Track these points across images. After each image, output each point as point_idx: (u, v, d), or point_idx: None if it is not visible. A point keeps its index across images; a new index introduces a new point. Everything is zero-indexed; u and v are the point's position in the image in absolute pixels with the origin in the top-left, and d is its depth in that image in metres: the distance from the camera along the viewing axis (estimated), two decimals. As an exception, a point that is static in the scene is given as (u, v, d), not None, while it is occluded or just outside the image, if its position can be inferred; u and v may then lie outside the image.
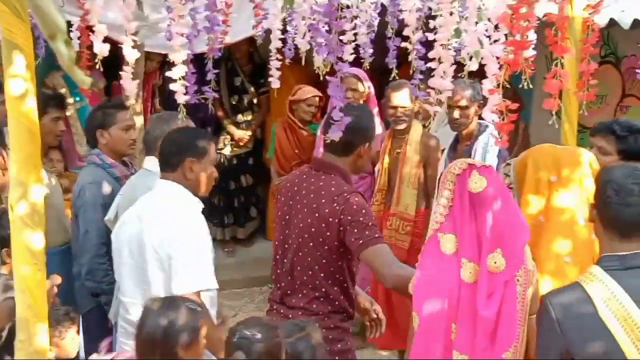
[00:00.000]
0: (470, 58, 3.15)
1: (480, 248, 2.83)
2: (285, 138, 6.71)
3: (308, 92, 6.59)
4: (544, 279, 3.15)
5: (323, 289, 3.48)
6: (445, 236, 2.88)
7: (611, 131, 3.71)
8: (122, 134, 4.42)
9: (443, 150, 5.34)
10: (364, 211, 3.40)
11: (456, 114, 4.92)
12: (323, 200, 3.41)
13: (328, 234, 3.40)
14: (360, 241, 3.31)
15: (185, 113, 3.30)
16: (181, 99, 3.20)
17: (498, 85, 2.76)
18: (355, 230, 3.32)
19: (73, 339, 3.57)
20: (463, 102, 4.88)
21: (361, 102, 5.75)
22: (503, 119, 2.71)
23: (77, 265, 4.32)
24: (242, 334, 2.75)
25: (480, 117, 4.84)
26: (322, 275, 3.47)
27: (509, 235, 2.84)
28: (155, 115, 4.61)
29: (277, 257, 3.62)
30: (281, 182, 6.18)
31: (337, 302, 3.50)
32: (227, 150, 7.61)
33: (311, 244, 3.44)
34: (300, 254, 3.48)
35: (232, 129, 7.59)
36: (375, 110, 5.85)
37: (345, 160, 3.55)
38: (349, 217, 3.35)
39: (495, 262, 2.81)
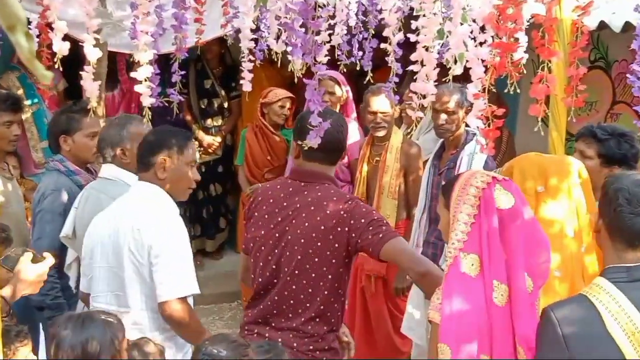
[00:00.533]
0: (455, 61, 3.14)
1: (507, 268, 2.76)
2: (256, 143, 6.68)
3: (280, 94, 6.56)
4: None
5: (322, 307, 3.44)
6: (468, 256, 2.78)
7: (592, 134, 3.80)
8: (88, 141, 4.35)
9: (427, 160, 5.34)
10: (374, 212, 3.50)
11: (442, 119, 4.90)
12: (328, 211, 3.39)
13: (336, 245, 3.38)
14: (380, 235, 3.30)
15: (150, 117, 3.27)
16: (147, 101, 3.17)
17: (483, 89, 2.76)
18: (371, 228, 3.32)
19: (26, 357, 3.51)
20: (450, 107, 4.86)
21: (338, 106, 5.75)
22: (489, 125, 2.71)
23: None
24: (208, 351, 2.71)
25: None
26: (325, 292, 3.43)
27: (534, 252, 2.81)
28: (109, 120, 4.52)
29: (260, 277, 3.53)
30: (252, 191, 6.17)
31: (333, 320, 3.48)
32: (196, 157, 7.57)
33: (316, 259, 3.40)
34: (298, 272, 3.42)
35: (201, 134, 7.56)
36: (354, 115, 5.85)
37: (331, 170, 3.57)
38: (362, 220, 3.35)
39: (530, 283, 2.78)
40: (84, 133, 4.35)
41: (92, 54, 3.21)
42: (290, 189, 3.51)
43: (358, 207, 3.40)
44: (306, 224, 3.41)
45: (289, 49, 3.31)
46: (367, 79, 3.70)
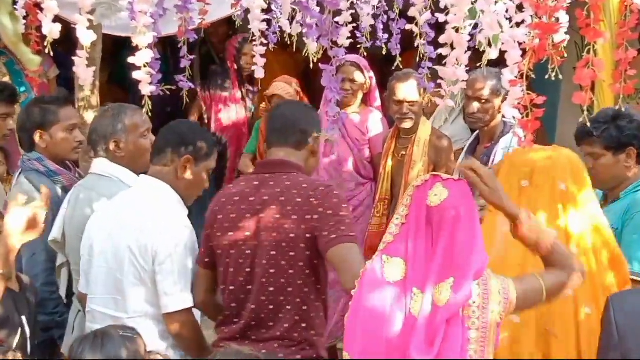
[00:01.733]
0: (489, 44, 3.15)
1: (434, 273, 2.77)
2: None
3: (279, 87, 6.48)
4: None
5: (305, 307, 3.44)
6: (391, 260, 2.83)
7: (588, 133, 3.83)
8: (66, 135, 4.24)
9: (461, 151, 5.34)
10: (344, 206, 3.45)
11: (474, 107, 4.89)
12: (299, 200, 3.40)
13: (308, 235, 3.38)
14: (334, 236, 3.31)
15: (150, 106, 3.30)
16: (146, 89, 3.20)
17: (521, 75, 2.76)
18: (332, 224, 3.33)
19: None
20: (484, 94, 4.85)
21: (360, 95, 5.75)
22: (527, 116, 2.72)
23: None
24: None
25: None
26: (305, 290, 3.44)
27: (462, 261, 2.77)
28: (101, 110, 4.40)
29: (232, 285, 3.49)
30: None
31: (318, 321, 3.48)
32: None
33: (291, 253, 3.40)
34: (274, 270, 3.42)
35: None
36: (377, 104, 5.85)
37: (298, 157, 3.57)
38: (329, 212, 3.36)
39: (440, 294, 2.73)
40: (62, 126, 4.24)
41: (86, 37, 3.23)
42: (256, 183, 3.51)
43: (330, 195, 3.42)
44: (277, 216, 3.42)
45: (304, 31, 3.33)
46: (396, 64, 3.70)
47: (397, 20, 3.67)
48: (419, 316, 2.72)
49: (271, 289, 3.41)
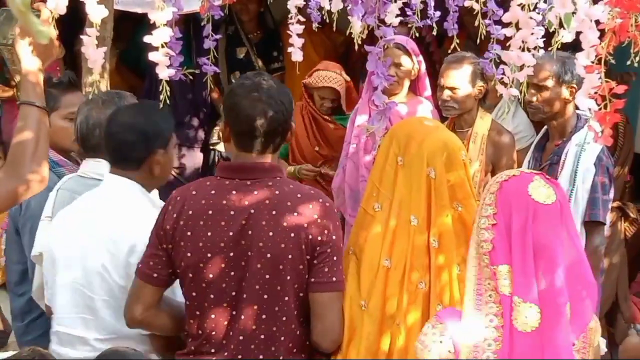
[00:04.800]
0: (560, 24, 3.10)
1: (539, 284, 2.85)
2: (304, 130, 6.65)
3: (324, 78, 6.46)
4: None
5: (297, 332, 3.41)
6: (500, 270, 2.90)
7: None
8: (66, 124, 4.29)
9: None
10: (340, 233, 3.44)
11: (531, 94, 4.84)
12: (296, 213, 3.33)
13: (308, 257, 3.34)
14: (325, 279, 3.36)
15: (168, 93, 3.28)
16: (164, 73, 3.19)
17: (598, 61, 2.71)
18: (327, 260, 3.35)
19: None
20: (543, 80, 4.79)
21: (407, 82, 5.70)
22: (605, 107, 2.67)
23: (17, 300, 4.33)
24: None
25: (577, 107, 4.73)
26: (301, 319, 3.40)
27: (580, 282, 2.90)
28: (90, 99, 4.25)
29: (213, 314, 3.40)
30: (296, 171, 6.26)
31: (307, 343, 3.45)
32: (222, 147, 7.61)
33: (288, 277, 3.34)
34: (268, 296, 3.35)
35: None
36: (427, 93, 5.80)
37: (275, 160, 3.51)
38: (334, 236, 3.36)
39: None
40: (61, 114, 4.33)
41: (96, 13, 3.23)
42: (233, 192, 3.38)
43: (331, 214, 3.41)
44: (271, 234, 3.32)
45: (348, 6, 3.30)
46: (453, 45, 3.66)
47: (454, -6, 3.64)
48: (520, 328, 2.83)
49: (264, 316, 3.36)
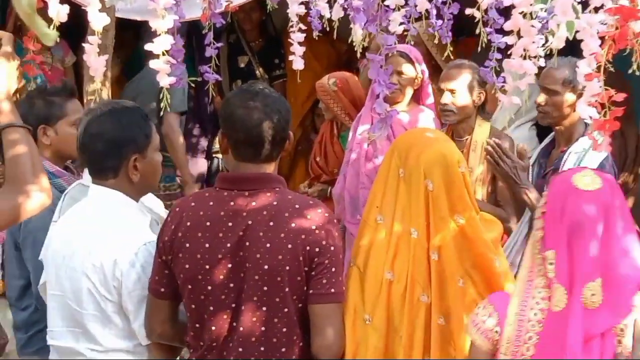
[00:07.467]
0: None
1: (572, 270, 2.95)
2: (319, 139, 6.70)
3: (317, 88, 6.47)
4: None
5: (301, 344, 3.41)
6: (547, 255, 3.01)
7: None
8: (73, 130, 4.24)
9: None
10: (340, 245, 3.44)
11: (541, 98, 4.83)
12: (294, 225, 3.32)
13: (306, 269, 3.33)
14: (323, 290, 3.35)
15: (169, 100, 3.29)
16: (164, 81, 3.19)
17: (598, 68, 2.73)
18: (325, 271, 3.34)
19: None
20: (553, 85, 4.78)
21: (409, 90, 5.70)
22: (605, 115, 2.68)
23: (19, 313, 4.34)
24: None
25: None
26: (300, 330, 3.40)
27: (619, 267, 2.94)
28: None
29: (214, 326, 3.39)
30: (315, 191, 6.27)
31: (310, 354, 3.43)
32: (224, 154, 7.64)
33: (287, 289, 3.33)
34: (267, 308, 3.34)
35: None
36: (429, 101, 5.80)
37: (274, 169, 3.51)
38: (332, 248, 3.36)
39: (592, 294, 2.93)
40: (68, 121, 4.32)
41: (97, 21, 3.23)
42: (232, 203, 3.39)
43: (330, 225, 3.39)
44: (268, 245, 3.31)
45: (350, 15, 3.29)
46: (446, 54, 3.67)
47: (450, 3, 3.63)
48: (570, 313, 2.94)
49: (263, 328, 3.36)
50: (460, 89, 5.29)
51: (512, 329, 3.01)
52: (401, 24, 3.37)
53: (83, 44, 3.35)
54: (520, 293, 3.06)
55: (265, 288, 3.32)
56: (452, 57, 3.83)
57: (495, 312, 3.09)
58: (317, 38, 3.93)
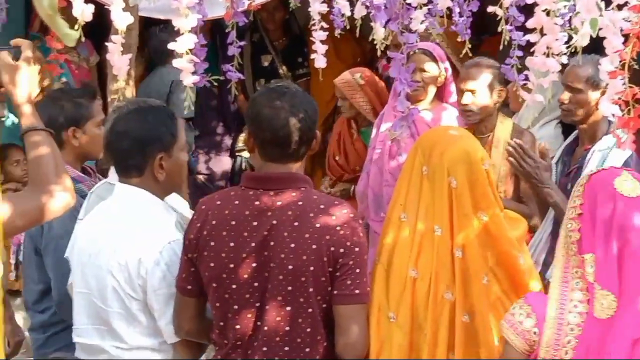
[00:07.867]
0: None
1: (621, 277, 2.93)
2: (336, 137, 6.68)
3: (337, 81, 6.50)
4: None
5: (325, 344, 3.39)
6: (586, 258, 2.99)
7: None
8: (99, 131, 4.25)
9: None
10: (366, 245, 3.42)
11: (565, 96, 4.81)
12: (318, 225, 3.31)
13: (330, 269, 3.32)
14: (347, 292, 3.32)
15: (192, 99, 3.30)
16: (188, 79, 3.19)
17: (622, 66, 2.72)
18: (349, 272, 3.32)
19: None
20: (576, 83, 4.75)
21: (432, 89, 5.69)
22: (629, 112, 2.67)
23: (37, 315, 4.34)
24: None
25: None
26: (323, 330, 3.39)
27: None
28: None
29: (238, 324, 3.39)
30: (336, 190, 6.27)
31: (334, 354, 3.42)
32: (248, 153, 7.64)
33: (311, 289, 3.32)
34: (291, 308, 3.34)
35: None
36: (452, 100, 5.79)
37: (301, 168, 3.49)
38: (356, 249, 3.34)
39: None
40: (94, 122, 4.33)
41: (121, 20, 3.24)
42: (257, 203, 3.37)
43: (355, 225, 3.37)
44: (292, 245, 3.31)
45: (371, 13, 3.29)
46: (464, 51, 3.65)
47: (469, 0, 3.62)
48: (620, 319, 2.92)
49: (287, 328, 3.35)
50: (481, 88, 5.25)
51: (552, 332, 2.99)
52: (422, 22, 3.36)
53: (107, 43, 3.37)
54: (557, 295, 3.03)
55: (289, 288, 3.31)
56: (470, 56, 3.80)
57: (533, 313, 3.06)
58: (339, 36, 3.92)
